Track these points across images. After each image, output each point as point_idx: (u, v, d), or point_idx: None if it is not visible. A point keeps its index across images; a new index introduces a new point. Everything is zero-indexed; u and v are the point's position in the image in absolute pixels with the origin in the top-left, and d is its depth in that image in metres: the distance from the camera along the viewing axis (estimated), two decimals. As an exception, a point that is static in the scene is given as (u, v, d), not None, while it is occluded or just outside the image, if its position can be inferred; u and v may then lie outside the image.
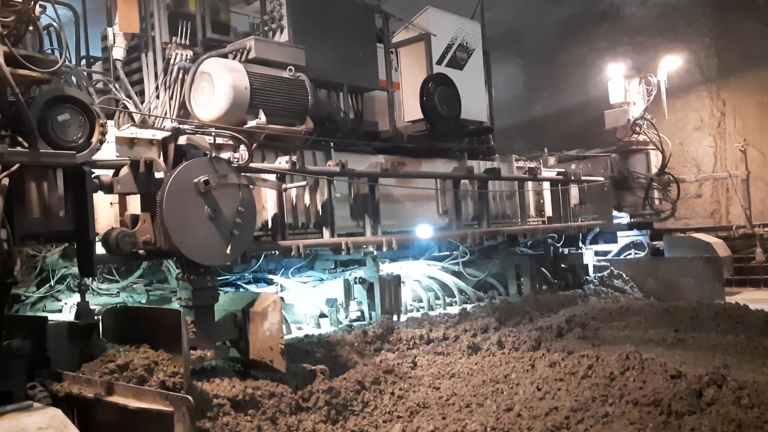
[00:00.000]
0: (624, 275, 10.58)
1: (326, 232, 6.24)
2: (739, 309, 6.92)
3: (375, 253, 7.29)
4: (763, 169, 12.24)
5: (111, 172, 4.45)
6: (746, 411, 3.50)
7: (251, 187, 4.89)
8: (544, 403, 4.05)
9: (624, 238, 11.58)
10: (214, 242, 4.47)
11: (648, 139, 11.03)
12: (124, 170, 4.42)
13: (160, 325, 4.19)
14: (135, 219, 4.48)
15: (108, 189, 4.38)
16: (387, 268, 8.04)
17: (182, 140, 4.64)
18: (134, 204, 4.79)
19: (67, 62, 5.25)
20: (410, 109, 7.70)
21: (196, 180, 4.41)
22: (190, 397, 3.36)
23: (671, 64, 11.56)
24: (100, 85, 5.92)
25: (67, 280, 5.53)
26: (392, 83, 7.67)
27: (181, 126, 4.83)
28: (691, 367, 4.72)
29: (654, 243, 11.15)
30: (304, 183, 5.99)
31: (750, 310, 6.79)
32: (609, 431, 3.55)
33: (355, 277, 7.49)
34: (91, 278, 5.40)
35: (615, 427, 3.59)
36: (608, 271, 10.66)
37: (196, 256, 4.41)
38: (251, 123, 5.52)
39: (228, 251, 4.52)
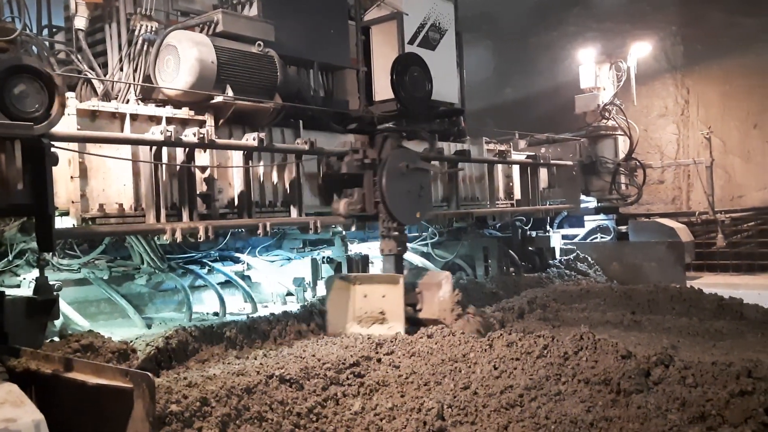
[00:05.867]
0: (589, 259, 10.78)
1: (294, 211, 6.23)
2: (693, 292, 7.14)
3: (344, 232, 7.31)
4: (723, 156, 12.53)
5: (73, 144, 4.39)
6: (690, 390, 3.64)
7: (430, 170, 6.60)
8: (500, 382, 4.16)
9: (591, 222, 11.79)
10: (409, 208, 6.25)
11: (616, 125, 11.20)
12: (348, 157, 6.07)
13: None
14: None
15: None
16: (355, 248, 8.08)
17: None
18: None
19: (26, 31, 5.15)
20: (381, 89, 7.67)
21: (400, 164, 6.02)
22: (150, 374, 3.36)
23: (641, 50, 11.71)
24: (61, 56, 5.78)
25: (26, 255, 5.44)
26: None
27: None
28: (644, 347, 4.88)
29: (620, 227, 11.38)
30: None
31: (704, 294, 7.00)
32: (561, 408, 3.66)
33: (323, 257, 7.51)
34: (50, 253, 5.33)
35: (566, 405, 3.71)
36: (574, 254, 10.86)
37: (401, 218, 6.14)
38: (218, 98, 5.47)
39: (417, 215, 6.37)
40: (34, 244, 5.22)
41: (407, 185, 6.15)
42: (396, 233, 6.17)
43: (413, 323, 5.62)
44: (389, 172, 5.97)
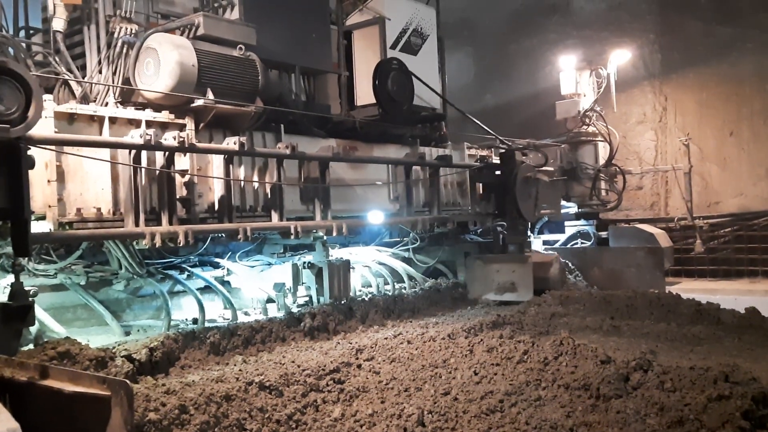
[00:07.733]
0: (570, 264, 10.84)
1: (275, 216, 6.19)
2: (671, 298, 7.19)
3: (325, 237, 7.27)
4: (700, 163, 12.69)
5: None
6: (669, 394, 3.67)
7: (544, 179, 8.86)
8: (480, 387, 4.16)
9: (571, 227, 11.87)
10: (530, 208, 8.26)
11: (597, 131, 11.31)
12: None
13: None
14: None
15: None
16: (336, 253, 8.05)
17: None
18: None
19: (3, 32, 5.07)
20: (363, 93, 7.68)
21: (524, 175, 8.09)
22: (128, 381, 3.31)
23: (620, 57, 11.86)
24: (38, 58, 5.70)
25: (1, 260, 5.33)
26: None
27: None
28: (623, 352, 4.91)
29: (600, 233, 11.47)
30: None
31: (682, 299, 7.05)
32: (540, 414, 3.67)
33: (304, 262, 7.46)
34: (26, 258, 5.23)
35: (546, 410, 3.72)
36: (555, 259, 10.90)
37: (526, 215, 8.21)
38: (199, 102, 5.43)
39: (536, 214, 8.53)
40: (9, 249, 5.12)
41: (528, 190, 8.04)
42: (521, 227, 8.31)
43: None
44: (520, 181, 7.87)
